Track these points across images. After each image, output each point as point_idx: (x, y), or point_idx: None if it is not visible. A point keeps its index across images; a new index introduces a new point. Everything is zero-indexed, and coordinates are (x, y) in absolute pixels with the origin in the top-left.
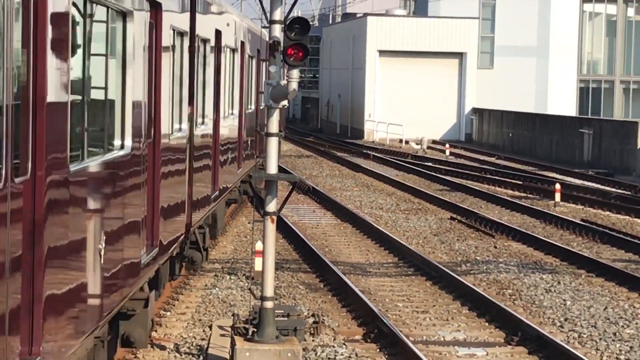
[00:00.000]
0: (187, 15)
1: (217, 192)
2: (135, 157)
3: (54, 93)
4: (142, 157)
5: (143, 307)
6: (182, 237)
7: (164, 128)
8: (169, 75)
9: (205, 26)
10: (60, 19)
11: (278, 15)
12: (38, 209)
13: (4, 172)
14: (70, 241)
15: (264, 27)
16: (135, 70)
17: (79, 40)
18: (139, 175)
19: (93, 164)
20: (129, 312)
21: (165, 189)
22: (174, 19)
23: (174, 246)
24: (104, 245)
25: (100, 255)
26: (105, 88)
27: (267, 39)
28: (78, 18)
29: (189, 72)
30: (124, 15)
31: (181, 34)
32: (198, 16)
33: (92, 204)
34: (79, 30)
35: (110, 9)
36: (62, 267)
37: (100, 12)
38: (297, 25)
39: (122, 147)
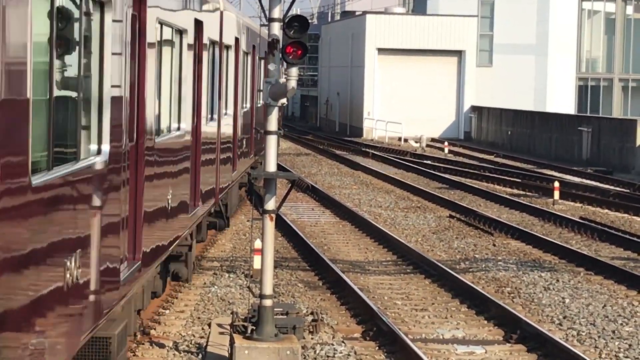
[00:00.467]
0: (218, 28)
1: (235, 172)
2: (186, 136)
3: (148, 90)
4: (190, 137)
5: (188, 251)
6: (213, 202)
7: (203, 117)
8: (206, 74)
9: (228, 35)
10: (151, 42)
11: (277, 13)
12: (140, 162)
13: (124, 138)
14: (156, 188)
15: (263, 25)
16: (187, 71)
17: (157, 53)
18: (187, 149)
19: (167, 138)
20: (178, 254)
21: (203, 161)
22: (210, 32)
23: (208, 208)
24: (170, 197)
25: (168, 204)
26: (170, 84)
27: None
28: (157, 38)
29: (218, 72)
30: (181, 32)
31: (213, 43)
32: (224, 28)
33: (165, 165)
34: (158, 46)
35: (173, 29)
36: (152, 207)
37: (168, 30)
38: (296, 24)
39: (178, 128)
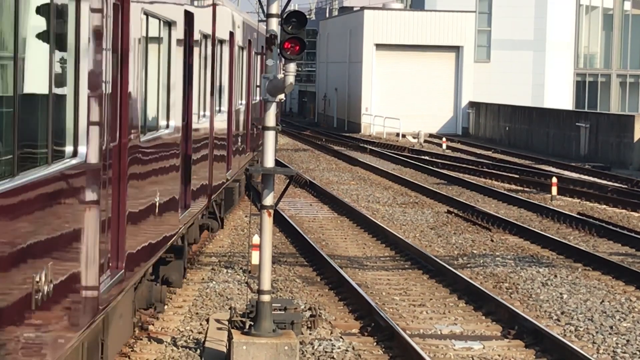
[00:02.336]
0: (211, 21)
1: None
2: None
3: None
4: (209, 120)
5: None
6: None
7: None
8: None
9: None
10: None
11: (275, 8)
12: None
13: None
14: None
15: (261, 20)
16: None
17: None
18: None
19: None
20: (229, 187)
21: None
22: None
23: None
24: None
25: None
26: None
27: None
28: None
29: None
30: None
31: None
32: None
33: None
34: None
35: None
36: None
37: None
38: (294, 19)
39: (203, 116)
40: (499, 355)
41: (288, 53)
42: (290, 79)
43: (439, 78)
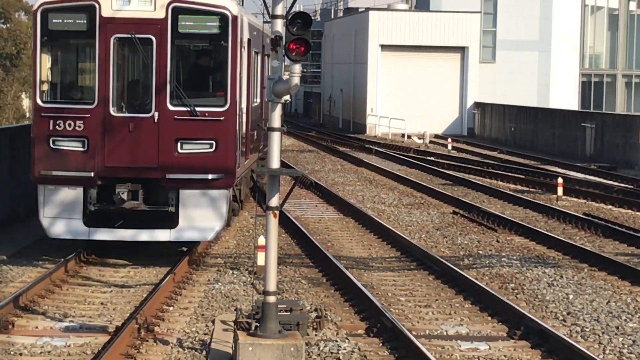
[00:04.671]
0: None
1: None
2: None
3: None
4: (260, 104)
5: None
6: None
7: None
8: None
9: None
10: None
11: (280, 9)
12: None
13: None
14: (249, 127)
15: (266, 21)
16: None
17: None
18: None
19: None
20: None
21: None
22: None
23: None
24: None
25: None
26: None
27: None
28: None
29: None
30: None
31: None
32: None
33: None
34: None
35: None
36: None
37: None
38: (299, 20)
39: (255, 101)
40: (505, 356)
41: (293, 54)
42: (296, 80)
43: (444, 79)
